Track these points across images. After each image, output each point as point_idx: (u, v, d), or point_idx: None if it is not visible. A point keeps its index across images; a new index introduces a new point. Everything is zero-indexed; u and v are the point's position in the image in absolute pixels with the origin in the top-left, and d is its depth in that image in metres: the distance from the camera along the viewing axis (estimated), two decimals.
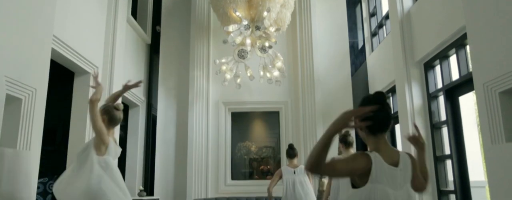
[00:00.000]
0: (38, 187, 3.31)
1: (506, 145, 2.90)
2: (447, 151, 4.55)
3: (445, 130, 4.61)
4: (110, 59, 4.85)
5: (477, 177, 4.17)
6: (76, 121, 4.40)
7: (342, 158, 1.86)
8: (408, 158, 1.97)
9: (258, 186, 6.28)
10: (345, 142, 4.27)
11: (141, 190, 5.90)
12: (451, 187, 4.49)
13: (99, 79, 4.62)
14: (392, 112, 5.09)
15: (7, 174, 2.75)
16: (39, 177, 3.21)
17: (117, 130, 4.86)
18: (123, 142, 6.35)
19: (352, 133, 4.38)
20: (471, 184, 4.24)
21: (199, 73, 6.69)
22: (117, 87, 4.93)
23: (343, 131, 4.03)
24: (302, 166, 5.12)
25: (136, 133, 6.78)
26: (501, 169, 2.97)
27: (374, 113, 1.82)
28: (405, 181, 1.90)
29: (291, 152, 5.14)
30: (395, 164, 1.87)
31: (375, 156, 1.81)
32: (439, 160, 4.65)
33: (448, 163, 4.54)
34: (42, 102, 3.17)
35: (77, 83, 4.55)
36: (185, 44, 6.98)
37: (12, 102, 2.87)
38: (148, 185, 6.81)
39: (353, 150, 4.24)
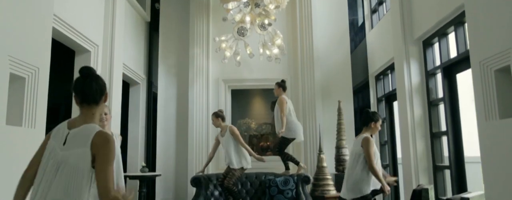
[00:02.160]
0: None
1: (500, 122, 2.96)
2: (443, 128, 4.64)
3: (441, 107, 4.69)
4: (110, 37, 4.86)
5: (471, 153, 4.26)
6: None
7: None
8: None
9: (257, 162, 6.39)
10: None
11: (143, 166, 6.02)
12: (446, 162, 4.60)
13: (100, 58, 4.70)
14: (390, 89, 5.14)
15: (13, 152, 2.83)
16: None
17: (118, 107, 4.93)
18: (124, 120, 6.44)
19: None
20: (466, 160, 4.34)
21: (199, 50, 6.70)
22: (117, 65, 4.97)
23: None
24: None
25: (137, 111, 6.86)
26: (493, 145, 3.05)
27: None
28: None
29: None
30: None
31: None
32: (435, 136, 4.74)
33: (444, 139, 4.63)
34: (45, 81, 3.22)
35: (78, 61, 4.59)
36: (184, 21, 6.96)
37: (16, 81, 2.92)
38: (150, 161, 6.95)
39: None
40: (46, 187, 1.78)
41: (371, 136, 4.05)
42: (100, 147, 1.78)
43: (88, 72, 1.96)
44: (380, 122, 4.11)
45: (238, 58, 6.15)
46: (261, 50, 6.14)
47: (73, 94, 1.96)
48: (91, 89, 1.94)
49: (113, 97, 4.79)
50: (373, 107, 6.89)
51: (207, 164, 5.53)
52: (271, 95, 5.91)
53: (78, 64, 4.57)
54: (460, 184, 4.29)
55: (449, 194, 4.51)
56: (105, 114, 3.59)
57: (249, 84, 6.79)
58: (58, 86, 4.85)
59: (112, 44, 4.87)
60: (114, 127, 4.76)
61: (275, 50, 6.09)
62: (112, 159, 1.79)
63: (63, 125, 1.96)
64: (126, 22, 5.56)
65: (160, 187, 6.56)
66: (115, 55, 4.89)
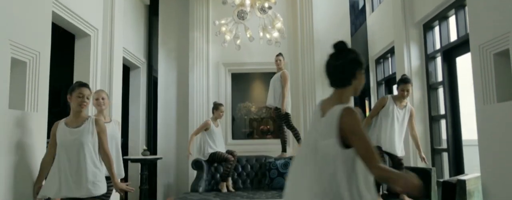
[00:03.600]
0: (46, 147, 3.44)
1: (497, 105, 2.99)
2: (442, 111, 4.67)
3: (441, 91, 4.71)
4: (110, 21, 4.85)
5: (469, 136, 4.31)
6: None
7: None
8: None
9: (258, 146, 6.47)
10: None
11: (144, 150, 6.08)
12: (444, 145, 4.65)
13: (100, 42, 4.70)
14: (390, 72, 5.13)
15: (17, 136, 2.87)
16: (47, 137, 3.34)
17: (118, 91, 4.95)
18: (125, 103, 6.47)
19: None
20: (464, 143, 4.39)
21: (199, 34, 6.69)
22: (117, 49, 4.97)
23: None
24: None
25: (138, 94, 6.90)
26: (490, 128, 3.09)
27: None
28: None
29: None
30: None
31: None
32: (434, 119, 4.78)
33: (443, 122, 4.67)
34: (46, 65, 3.24)
35: (78, 45, 4.59)
36: (184, 5, 6.92)
37: (17, 65, 2.94)
38: (151, 145, 7.02)
39: None
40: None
41: None
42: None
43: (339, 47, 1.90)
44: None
45: (238, 41, 6.14)
46: (261, 34, 6.13)
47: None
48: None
49: (113, 81, 4.81)
50: (373, 91, 6.91)
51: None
52: (271, 78, 5.91)
53: (78, 48, 4.58)
54: (457, 167, 4.35)
55: (446, 176, 4.57)
56: (103, 98, 3.61)
57: (249, 67, 6.80)
58: (59, 70, 4.88)
59: (112, 28, 4.86)
60: (115, 111, 4.80)
61: (275, 34, 6.08)
62: None
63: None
64: (125, 5, 5.53)
65: (161, 170, 6.64)
66: (115, 39, 4.88)
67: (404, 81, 4.24)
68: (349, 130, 1.74)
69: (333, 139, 1.76)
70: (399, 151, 4.25)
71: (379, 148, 4.18)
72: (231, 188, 5.18)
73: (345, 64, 1.90)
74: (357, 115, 1.76)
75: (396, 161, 4.29)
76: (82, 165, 2.93)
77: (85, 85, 3.07)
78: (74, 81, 4.53)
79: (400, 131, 4.26)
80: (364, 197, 1.73)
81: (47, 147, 3.15)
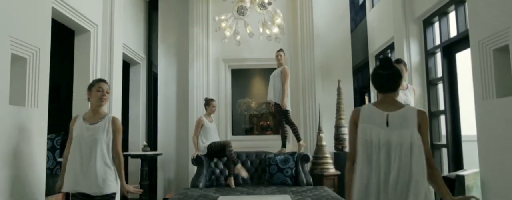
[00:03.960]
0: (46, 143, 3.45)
1: (497, 101, 3.00)
2: (442, 107, 4.68)
3: (440, 87, 4.72)
4: (109, 17, 4.84)
5: (469, 132, 4.32)
6: (79, 78, 4.49)
7: None
8: (413, 112, 2.15)
9: (258, 141, 6.49)
10: None
11: (144, 145, 6.10)
12: (443, 141, 4.67)
13: (99, 38, 4.70)
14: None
15: (18, 131, 2.88)
16: (47, 133, 3.35)
17: (117, 88, 4.96)
18: (125, 99, 6.48)
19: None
20: (463, 139, 4.40)
21: (199, 30, 6.68)
22: (117, 45, 4.97)
23: None
24: None
25: (138, 90, 6.90)
26: (490, 124, 3.09)
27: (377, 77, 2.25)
28: (401, 125, 2.11)
29: None
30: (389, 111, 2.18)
31: (364, 107, 2.24)
32: (433, 115, 4.79)
33: (442, 118, 4.68)
34: (46, 61, 3.24)
35: (77, 41, 4.59)
36: (184, 1, 6.91)
37: (18, 61, 2.94)
38: (151, 141, 7.03)
39: None
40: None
41: None
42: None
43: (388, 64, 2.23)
44: None
45: (238, 37, 6.14)
46: (261, 30, 6.12)
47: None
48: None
49: (113, 77, 4.81)
50: (373, 87, 6.90)
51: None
52: (271, 74, 5.92)
53: (78, 44, 4.57)
54: (456, 162, 4.36)
55: (445, 172, 4.59)
56: (107, 93, 3.60)
57: (249, 63, 6.80)
58: (59, 66, 4.88)
59: (111, 23, 4.85)
60: (115, 107, 4.80)
61: (275, 30, 6.07)
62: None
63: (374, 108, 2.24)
64: (125, 1, 5.53)
65: (162, 165, 6.66)
66: (115, 34, 4.88)
67: (395, 61, 4.25)
68: (424, 128, 2.11)
69: (415, 130, 2.08)
70: None
71: None
72: (232, 184, 5.17)
73: (395, 74, 2.21)
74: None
75: None
76: (92, 162, 2.91)
77: (104, 80, 3.11)
78: (74, 77, 4.55)
79: None
80: None
81: (47, 142, 3.15)
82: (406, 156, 2.04)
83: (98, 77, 4.62)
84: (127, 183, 3.20)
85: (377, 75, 2.24)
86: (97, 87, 3.04)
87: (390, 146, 2.08)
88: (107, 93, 3.07)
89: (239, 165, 5.23)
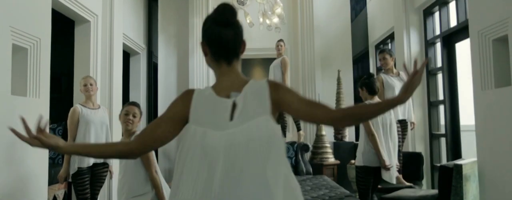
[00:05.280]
0: None
1: (495, 91, 3.02)
2: (441, 96, 4.70)
3: (440, 77, 4.73)
4: (109, 7, 4.83)
5: (467, 121, 4.35)
6: (80, 69, 4.50)
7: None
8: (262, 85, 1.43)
9: None
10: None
11: None
12: (442, 131, 4.70)
13: (99, 28, 4.69)
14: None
15: (20, 121, 2.90)
16: (49, 123, 3.38)
17: (118, 78, 4.97)
18: (126, 89, 6.49)
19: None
20: (462, 128, 4.43)
21: (199, 20, 6.67)
22: (117, 35, 4.97)
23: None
24: None
25: (138, 80, 6.91)
26: (488, 114, 3.12)
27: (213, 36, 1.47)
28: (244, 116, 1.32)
29: None
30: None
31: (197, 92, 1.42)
32: (432, 105, 4.82)
33: (441, 108, 4.70)
34: (47, 51, 3.25)
35: (78, 31, 4.59)
36: None
37: (19, 52, 2.95)
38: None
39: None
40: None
41: None
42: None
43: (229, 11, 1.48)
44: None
45: None
46: (261, 19, 6.11)
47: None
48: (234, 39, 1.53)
49: (114, 67, 4.82)
50: None
51: None
52: (271, 64, 5.92)
53: (78, 34, 4.57)
54: (455, 152, 4.40)
55: (444, 161, 4.63)
56: (91, 84, 3.62)
57: (249, 53, 6.74)
58: (59, 56, 4.88)
59: (111, 13, 4.84)
60: (115, 97, 4.82)
61: (275, 19, 6.06)
62: None
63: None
64: None
65: (162, 155, 6.70)
66: (114, 25, 4.88)
67: (379, 51, 4.40)
68: (290, 94, 1.44)
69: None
70: (413, 116, 4.30)
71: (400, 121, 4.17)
72: None
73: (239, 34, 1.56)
74: None
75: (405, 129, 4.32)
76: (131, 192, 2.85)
77: (132, 103, 3.02)
78: (75, 67, 4.56)
79: None
80: None
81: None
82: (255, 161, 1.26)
83: (99, 67, 4.64)
84: None
85: (215, 34, 1.47)
86: (125, 110, 2.96)
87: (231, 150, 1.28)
88: (134, 117, 2.97)
89: None
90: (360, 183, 3.44)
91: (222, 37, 1.47)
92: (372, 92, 3.46)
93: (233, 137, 1.28)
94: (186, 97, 1.41)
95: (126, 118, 2.91)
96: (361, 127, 3.47)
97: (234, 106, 1.34)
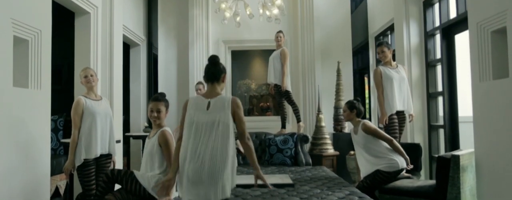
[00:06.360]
0: None
1: (493, 82, 3.04)
2: (440, 88, 4.72)
3: (439, 68, 4.75)
4: None
5: (466, 113, 4.38)
6: (80, 61, 4.52)
7: None
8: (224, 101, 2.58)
9: (257, 122, 6.55)
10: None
11: (146, 126, 6.16)
12: (441, 122, 4.73)
13: (99, 19, 4.70)
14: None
15: (22, 112, 2.93)
16: (51, 114, 3.40)
17: (118, 70, 4.98)
18: (126, 81, 6.51)
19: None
20: (461, 120, 4.46)
21: (199, 11, 6.66)
22: (117, 27, 4.98)
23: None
24: None
25: (138, 72, 6.93)
26: (486, 105, 3.14)
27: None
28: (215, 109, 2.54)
29: None
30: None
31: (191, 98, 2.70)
32: (431, 96, 4.84)
33: (440, 99, 4.73)
34: (47, 43, 3.27)
35: (78, 23, 4.60)
36: None
37: (20, 43, 2.97)
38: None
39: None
40: (205, 140, 2.49)
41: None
42: (236, 109, 2.58)
43: (214, 61, 2.69)
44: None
45: (238, 19, 6.13)
46: (261, 11, 6.11)
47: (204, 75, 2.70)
48: (214, 72, 2.65)
49: (114, 58, 4.84)
50: (372, 68, 6.94)
51: None
52: (270, 55, 5.93)
53: (78, 26, 4.58)
54: (453, 143, 4.43)
55: (442, 152, 4.67)
56: (91, 76, 3.63)
57: (249, 45, 6.81)
58: (59, 48, 4.90)
59: (111, 5, 4.84)
60: (116, 88, 4.85)
61: (275, 11, 6.05)
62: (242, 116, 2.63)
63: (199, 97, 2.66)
64: None
65: None
66: (114, 16, 4.88)
67: (377, 44, 4.38)
68: (238, 111, 2.64)
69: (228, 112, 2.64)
70: (412, 108, 4.33)
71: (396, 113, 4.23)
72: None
73: (217, 71, 2.70)
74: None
75: (403, 120, 4.36)
76: (148, 169, 3.10)
77: (156, 99, 3.18)
78: (75, 59, 4.57)
79: (406, 89, 4.29)
80: None
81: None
82: (217, 132, 2.49)
83: (99, 58, 4.65)
84: (129, 163, 3.30)
85: (206, 68, 2.70)
86: (150, 107, 3.16)
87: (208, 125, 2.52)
88: (159, 112, 3.16)
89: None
90: (378, 185, 3.70)
91: (210, 70, 2.68)
92: (360, 115, 3.91)
93: (209, 117, 2.54)
94: (185, 103, 2.68)
95: (151, 115, 3.14)
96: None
97: (209, 103, 2.59)
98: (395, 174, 3.67)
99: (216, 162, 2.43)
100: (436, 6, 4.82)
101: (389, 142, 3.72)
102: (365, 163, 3.82)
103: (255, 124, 6.43)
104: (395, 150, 3.72)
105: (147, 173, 3.07)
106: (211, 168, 2.41)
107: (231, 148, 2.51)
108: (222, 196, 2.42)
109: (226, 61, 6.77)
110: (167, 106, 3.24)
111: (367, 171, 3.79)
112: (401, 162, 3.68)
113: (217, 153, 2.44)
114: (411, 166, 3.74)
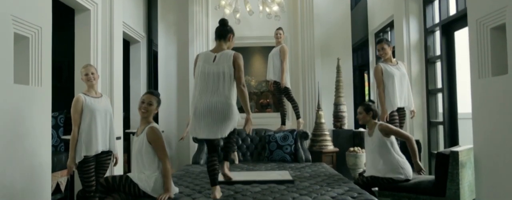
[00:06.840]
0: None
1: (492, 79, 3.05)
2: (439, 85, 4.73)
3: (438, 65, 4.76)
4: None
5: (465, 109, 4.39)
6: (80, 58, 4.52)
7: None
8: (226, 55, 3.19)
9: (257, 119, 6.56)
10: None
11: None
12: (440, 118, 4.74)
13: (99, 16, 4.70)
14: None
15: (23, 109, 2.95)
16: (52, 111, 3.42)
17: (118, 66, 4.99)
18: (126, 78, 6.52)
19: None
20: (460, 116, 4.48)
21: (198, 8, 6.66)
22: (117, 24, 4.98)
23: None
24: None
25: (138, 69, 6.93)
26: (485, 102, 3.16)
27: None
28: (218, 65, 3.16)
29: None
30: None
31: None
32: (431, 93, 4.85)
33: (439, 96, 4.74)
34: (48, 40, 3.28)
35: (78, 20, 4.60)
36: None
37: (20, 40, 2.98)
38: (153, 118, 7.09)
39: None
40: (214, 88, 3.10)
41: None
42: (236, 59, 3.19)
43: (223, 22, 3.38)
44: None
45: (238, 15, 6.12)
46: (260, 7, 6.11)
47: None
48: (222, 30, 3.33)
49: (114, 55, 4.84)
50: (372, 65, 6.95)
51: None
52: (270, 52, 5.94)
53: (78, 23, 4.58)
54: (452, 139, 4.45)
55: (441, 148, 4.69)
56: (92, 73, 3.64)
57: (249, 41, 6.81)
58: (60, 45, 4.90)
59: (111, 2, 4.84)
60: (116, 85, 4.86)
61: (275, 7, 6.06)
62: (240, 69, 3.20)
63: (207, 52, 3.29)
64: None
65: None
66: (114, 13, 4.88)
67: (377, 42, 4.37)
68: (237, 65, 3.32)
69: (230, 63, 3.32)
70: (413, 105, 4.31)
71: (397, 110, 4.22)
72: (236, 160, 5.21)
73: (226, 30, 3.47)
74: None
75: (403, 117, 4.34)
76: (140, 169, 3.14)
77: (150, 92, 3.27)
78: (75, 56, 4.58)
79: (406, 85, 4.28)
80: None
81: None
82: (222, 81, 3.10)
83: (99, 55, 4.66)
84: (129, 160, 3.32)
85: (216, 28, 3.37)
86: (141, 100, 3.21)
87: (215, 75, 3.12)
88: (150, 105, 3.21)
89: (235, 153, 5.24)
90: (379, 186, 3.72)
91: (219, 29, 3.34)
92: (375, 117, 3.88)
93: (216, 68, 3.14)
94: (196, 57, 3.33)
95: (141, 105, 3.15)
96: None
97: (215, 57, 3.19)
98: (400, 182, 3.64)
99: (222, 103, 3.04)
100: (436, 3, 4.83)
101: (408, 140, 3.64)
102: (374, 167, 3.76)
103: (254, 120, 6.33)
104: (410, 149, 3.62)
105: (141, 173, 3.07)
106: (219, 109, 3.02)
107: (234, 93, 3.15)
108: (231, 129, 3.14)
109: None
110: (158, 103, 3.28)
111: (374, 174, 3.74)
112: (409, 173, 3.64)
113: (223, 97, 3.04)
114: (423, 172, 3.68)
